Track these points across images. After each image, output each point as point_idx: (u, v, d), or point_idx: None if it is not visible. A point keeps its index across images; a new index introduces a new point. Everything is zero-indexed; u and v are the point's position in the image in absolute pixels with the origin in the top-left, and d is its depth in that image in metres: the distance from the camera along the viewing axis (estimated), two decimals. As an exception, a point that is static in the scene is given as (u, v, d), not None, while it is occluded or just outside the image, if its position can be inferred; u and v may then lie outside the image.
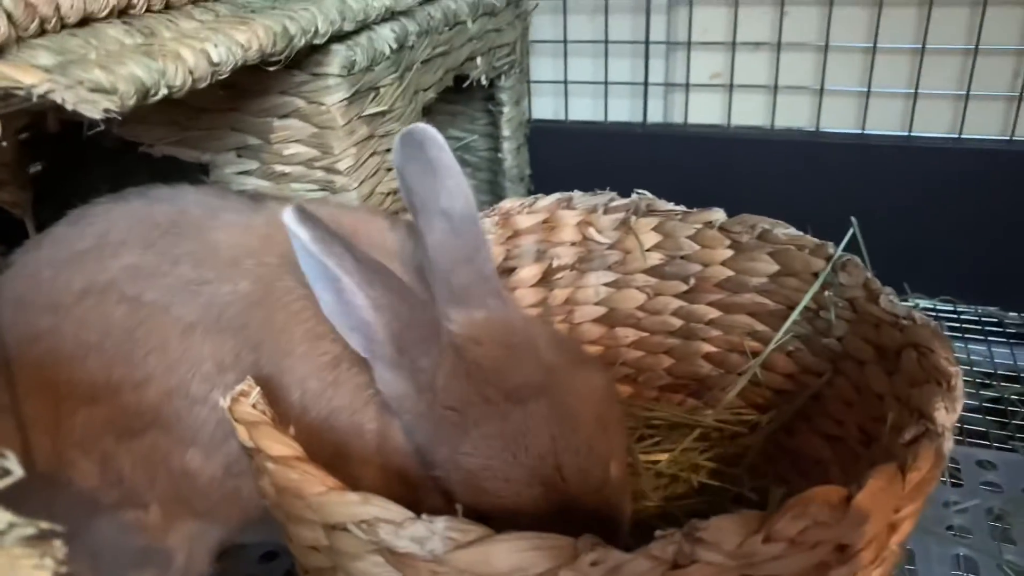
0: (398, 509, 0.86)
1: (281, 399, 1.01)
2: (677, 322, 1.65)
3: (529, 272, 1.66)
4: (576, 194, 1.73)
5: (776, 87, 2.44)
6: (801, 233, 1.52)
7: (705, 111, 2.56)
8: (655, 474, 1.51)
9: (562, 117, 2.64)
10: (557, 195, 1.73)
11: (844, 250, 1.42)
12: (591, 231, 1.71)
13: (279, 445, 0.99)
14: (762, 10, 2.37)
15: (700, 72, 2.51)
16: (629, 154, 2.47)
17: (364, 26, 1.52)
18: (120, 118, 0.85)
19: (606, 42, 2.54)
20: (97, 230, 1.08)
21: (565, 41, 2.58)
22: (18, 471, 0.38)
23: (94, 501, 1.08)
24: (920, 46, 2.17)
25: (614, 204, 1.70)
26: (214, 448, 1.07)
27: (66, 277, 1.04)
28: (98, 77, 0.89)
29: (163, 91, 1.00)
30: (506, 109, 2.33)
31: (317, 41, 1.30)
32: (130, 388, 1.03)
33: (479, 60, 2.05)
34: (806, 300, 1.47)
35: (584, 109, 2.69)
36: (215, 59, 1.09)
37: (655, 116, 2.59)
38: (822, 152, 2.40)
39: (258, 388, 1.09)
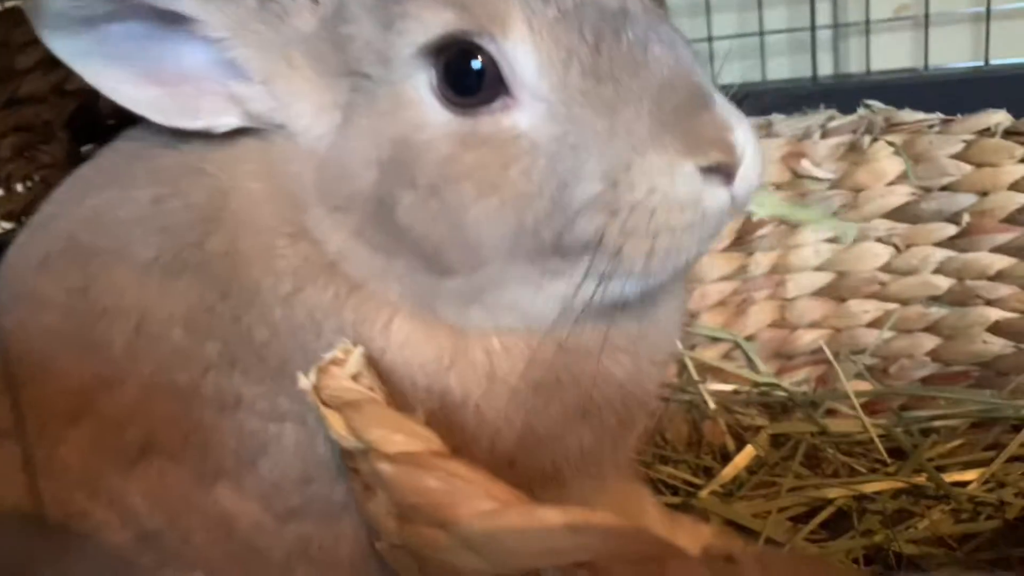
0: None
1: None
2: (944, 282, 1.24)
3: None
4: (777, 117, 1.25)
5: (988, 13, 1.92)
6: None
7: (891, 55, 2.04)
8: (964, 500, 0.96)
9: (707, 84, 2.16)
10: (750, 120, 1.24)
11: None
12: (804, 165, 1.24)
13: (402, 435, 0.53)
14: (959, -85, 1.87)
15: (881, 6, 2.00)
16: (798, 118, 1.99)
17: None
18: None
19: (758, -17, 2.09)
20: (66, 186, 0.87)
21: (706, -10, 2.13)
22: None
23: (127, 566, 0.83)
24: None
25: (835, 124, 1.22)
26: (243, 473, 0.79)
27: (29, 250, 0.85)
28: None
29: None
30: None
31: None
32: (102, 386, 0.78)
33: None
34: None
35: (732, 72, 2.22)
36: None
37: (825, 69, 2.09)
38: (1059, 86, 1.86)
39: (361, 349, 0.64)
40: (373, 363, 0.73)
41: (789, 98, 2.04)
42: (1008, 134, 1.14)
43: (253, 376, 0.77)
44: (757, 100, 1.78)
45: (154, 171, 0.81)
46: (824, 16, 2.13)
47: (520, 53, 0.65)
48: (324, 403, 0.63)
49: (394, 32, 0.67)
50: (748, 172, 0.66)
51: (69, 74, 0.73)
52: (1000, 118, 1.15)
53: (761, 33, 2.18)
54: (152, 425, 0.79)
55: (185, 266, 0.77)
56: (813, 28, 2.11)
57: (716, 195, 0.65)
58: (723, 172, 0.65)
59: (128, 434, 0.79)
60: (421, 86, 0.67)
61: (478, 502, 0.48)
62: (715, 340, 1.30)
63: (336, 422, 0.61)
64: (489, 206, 0.66)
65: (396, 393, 0.74)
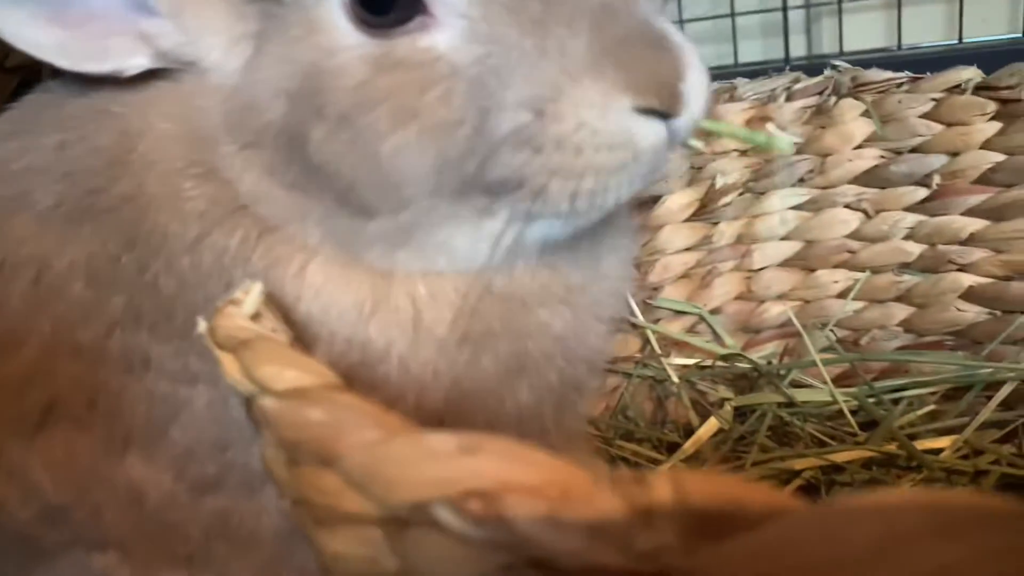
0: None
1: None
2: (915, 248, 1.18)
3: (680, 199, 1.17)
4: (741, 81, 1.20)
5: (960, -12, 1.88)
6: None
7: (865, 35, 2.00)
8: (937, 468, 0.91)
9: (679, 67, 2.11)
10: (714, 84, 1.19)
11: None
12: (770, 129, 1.15)
13: (295, 371, 0.47)
14: None
15: (854, -15, 1.97)
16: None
17: None
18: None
19: (727, -37, 2.04)
20: None
21: (675, -30, 2.09)
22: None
23: (31, 546, 0.78)
24: None
25: (801, 86, 1.16)
26: (154, 441, 0.73)
27: None
28: None
29: None
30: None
31: None
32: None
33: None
34: None
35: (705, 55, 2.17)
36: None
37: (798, 50, 2.04)
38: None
39: (259, 287, 0.58)
40: (287, 312, 0.67)
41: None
42: (978, 90, 1.09)
43: (161, 333, 0.72)
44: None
45: (61, 118, 0.75)
46: (794, -2, 2.09)
47: None
48: (219, 345, 0.56)
49: None
50: (691, 113, 0.60)
51: (10, 50, 0.67)
52: (970, 74, 1.11)
53: (733, 15, 2.13)
54: (55, 389, 0.74)
55: (89, 212, 0.71)
56: (785, 9, 2.06)
57: (651, 131, 0.59)
58: (663, 114, 0.59)
59: (28, 399, 0.74)
60: (333, 7, 0.62)
61: (363, 432, 0.42)
62: (679, 314, 1.24)
63: (229, 364, 0.54)
64: (407, 136, 0.60)
65: (312, 344, 0.68)
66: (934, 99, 1.12)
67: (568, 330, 0.73)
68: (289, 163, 0.66)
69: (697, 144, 0.67)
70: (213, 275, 0.69)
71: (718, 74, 2.16)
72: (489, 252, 0.66)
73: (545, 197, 0.61)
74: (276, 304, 0.65)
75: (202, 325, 0.59)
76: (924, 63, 1.97)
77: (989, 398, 1.03)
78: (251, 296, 0.59)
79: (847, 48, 2.07)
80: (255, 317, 0.58)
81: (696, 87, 0.59)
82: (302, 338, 0.67)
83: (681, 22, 2.17)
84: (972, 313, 1.14)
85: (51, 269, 0.72)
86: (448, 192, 0.63)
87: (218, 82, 0.68)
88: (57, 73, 0.73)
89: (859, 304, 1.21)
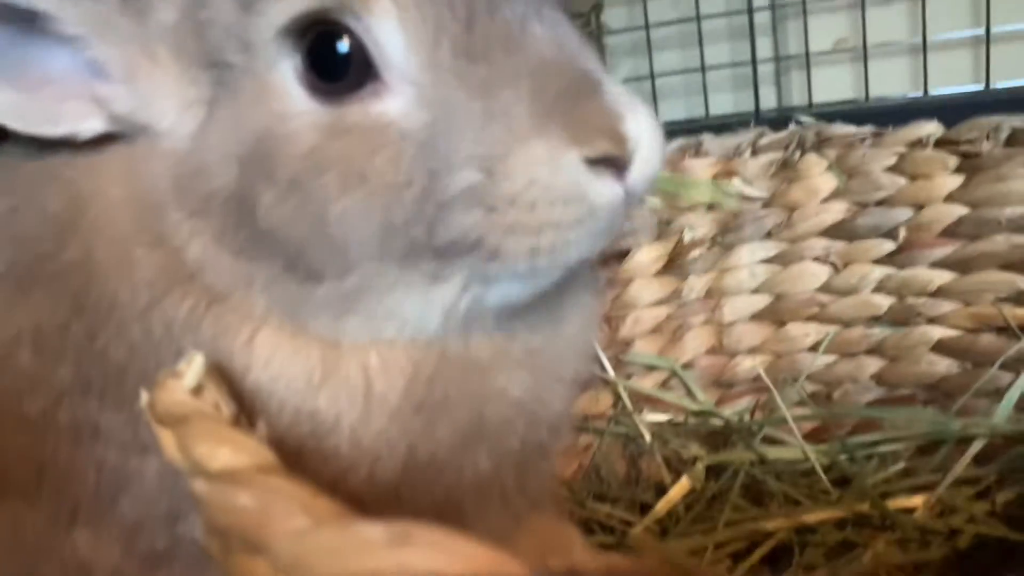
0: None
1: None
2: (884, 301, 1.19)
3: (649, 254, 1.14)
4: (707, 136, 1.20)
5: (925, 43, 1.92)
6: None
7: (833, 87, 2.04)
8: (911, 528, 0.89)
9: (652, 120, 2.13)
10: (680, 140, 1.21)
11: None
12: (736, 184, 1.17)
13: (228, 450, 0.45)
14: (891, -51, 1.88)
15: (820, 40, 2.00)
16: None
17: None
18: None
19: (698, 18, 2.07)
20: None
21: (647, 26, 2.12)
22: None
23: None
24: None
25: (766, 141, 1.17)
26: (103, 513, 0.70)
27: None
28: None
29: None
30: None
31: None
32: None
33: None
34: None
35: (676, 109, 2.20)
36: None
37: (769, 102, 2.07)
38: (999, 114, 1.84)
39: (201, 359, 0.56)
40: (236, 382, 0.65)
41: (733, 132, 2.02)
42: (940, 143, 1.09)
43: (111, 402, 0.69)
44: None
45: (12, 180, 0.74)
46: (765, 50, 2.13)
47: (385, 30, 0.59)
48: (158, 420, 0.54)
49: (253, 13, 0.61)
50: (644, 163, 0.60)
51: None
52: (932, 129, 1.12)
53: (703, 69, 2.16)
54: (0, 462, 0.71)
55: (37, 279, 0.70)
56: (754, 63, 2.10)
57: (606, 188, 0.59)
58: (615, 165, 0.59)
59: None
60: (286, 73, 0.61)
61: (291, 520, 0.40)
62: (651, 368, 1.23)
63: (168, 440, 0.53)
64: (354, 199, 0.60)
65: (261, 415, 0.66)
66: (897, 153, 1.13)
67: (528, 394, 0.72)
68: (237, 229, 0.65)
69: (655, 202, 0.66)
70: (164, 344, 0.67)
71: (689, 127, 2.19)
72: (442, 320, 0.64)
73: (503, 256, 0.60)
74: (225, 374, 0.63)
75: (144, 398, 0.57)
76: (891, 115, 1.99)
77: (963, 451, 1.02)
78: (193, 368, 0.57)
79: (816, 100, 2.10)
80: (197, 390, 0.57)
81: (642, 131, 0.58)
82: (251, 409, 0.65)
83: (652, 76, 2.20)
84: (943, 366, 1.14)
85: None
86: (396, 256, 0.62)
87: (169, 147, 0.67)
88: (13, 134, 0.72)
89: (830, 357, 1.21)
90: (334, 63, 0.60)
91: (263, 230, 0.63)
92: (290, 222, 0.62)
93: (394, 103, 0.60)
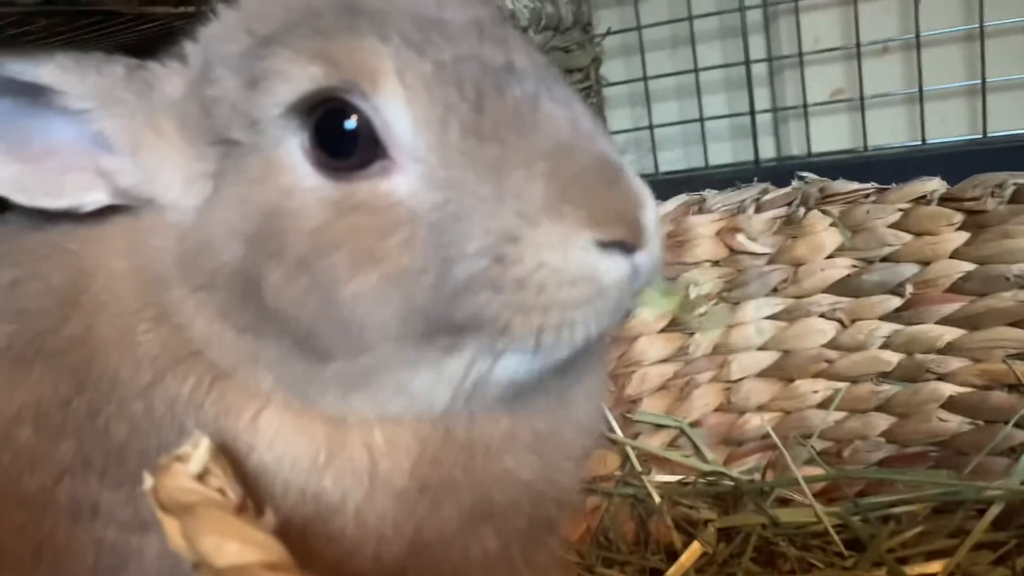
0: None
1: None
2: (893, 357, 1.18)
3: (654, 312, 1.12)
4: (710, 193, 1.21)
5: (921, 93, 1.94)
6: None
7: (831, 137, 2.05)
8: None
9: (651, 171, 2.15)
10: (683, 196, 1.21)
11: None
12: (740, 240, 1.18)
13: (236, 544, 0.44)
14: (886, 3, 1.91)
15: (818, 90, 2.02)
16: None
17: None
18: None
19: (695, 71, 2.10)
20: None
21: (645, 78, 2.14)
22: None
23: None
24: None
25: (769, 197, 1.17)
26: None
27: None
28: None
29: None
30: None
31: None
32: None
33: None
34: None
35: (675, 160, 2.21)
36: None
37: (767, 152, 2.08)
38: (995, 162, 1.85)
39: (207, 443, 0.55)
40: (241, 463, 0.63)
41: (733, 182, 2.03)
42: (944, 200, 1.09)
43: (111, 480, 0.68)
44: (701, 185, 1.76)
45: (15, 252, 0.73)
46: (763, 101, 2.15)
47: (393, 110, 0.58)
48: (162, 507, 0.53)
49: (259, 91, 0.60)
50: (653, 250, 0.59)
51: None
52: (935, 185, 1.12)
53: (702, 119, 2.18)
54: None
55: (38, 355, 0.68)
56: (752, 113, 2.12)
57: (614, 265, 0.58)
58: (623, 246, 0.58)
59: None
60: (293, 150, 0.61)
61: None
62: (659, 427, 1.21)
63: (172, 529, 0.51)
64: (367, 281, 0.58)
65: (266, 497, 0.64)
66: (901, 209, 1.13)
67: (537, 475, 0.70)
68: (243, 306, 0.64)
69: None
70: (166, 421, 0.66)
71: (689, 176, 2.20)
72: (450, 396, 0.63)
73: (510, 334, 0.59)
74: (229, 454, 0.62)
75: (148, 481, 0.56)
76: (890, 163, 2.01)
77: (980, 511, 1.00)
78: (198, 452, 0.55)
79: (815, 149, 2.11)
80: (203, 475, 0.55)
81: (652, 220, 0.58)
82: (255, 489, 0.63)
83: (651, 127, 2.22)
84: (955, 423, 1.12)
85: None
86: (415, 336, 0.61)
87: (174, 221, 0.67)
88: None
89: (840, 414, 1.19)
90: (341, 140, 0.60)
91: (270, 309, 0.62)
92: (299, 302, 0.61)
93: (403, 181, 0.59)
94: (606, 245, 0.57)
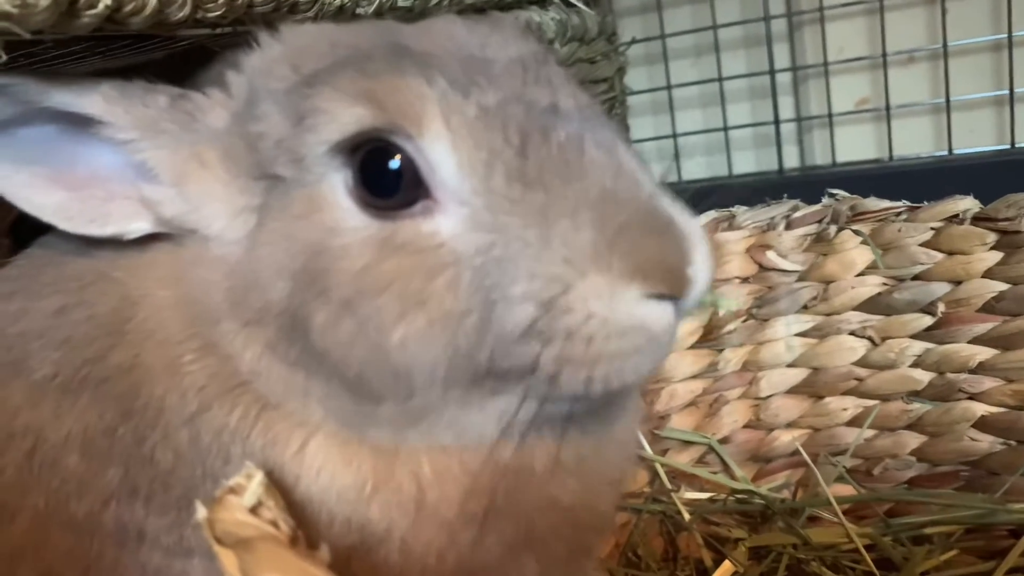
0: None
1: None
2: (924, 376, 1.18)
3: (684, 327, 1.11)
4: (740, 209, 1.21)
5: (948, 103, 1.93)
6: None
7: (856, 146, 2.04)
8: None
9: (674, 179, 2.14)
10: (712, 212, 1.21)
11: None
12: (770, 257, 1.18)
13: (294, 581, 0.45)
14: (913, 12, 1.90)
15: (843, 100, 2.01)
16: (767, 211, 1.96)
17: None
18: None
19: (720, 79, 2.09)
20: None
21: (669, 87, 2.14)
22: None
23: None
24: None
25: (800, 214, 1.17)
26: None
27: None
28: None
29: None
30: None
31: None
32: None
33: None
34: None
35: (698, 168, 2.21)
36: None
37: (791, 161, 2.08)
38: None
39: (261, 476, 0.56)
40: (287, 493, 0.64)
41: (756, 191, 2.02)
42: (976, 220, 1.09)
43: (157, 506, 0.69)
44: (725, 194, 1.76)
45: (61, 279, 0.74)
46: (787, 110, 2.14)
47: (438, 152, 0.58)
48: (218, 540, 0.54)
49: (305, 129, 0.61)
50: (699, 286, 0.59)
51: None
52: (968, 204, 1.11)
53: (726, 128, 2.18)
54: (46, 562, 0.71)
55: (85, 383, 0.69)
56: (777, 122, 2.11)
57: (662, 313, 0.57)
58: (671, 298, 0.58)
59: (19, 573, 0.71)
60: (337, 187, 0.61)
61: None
62: (687, 444, 1.21)
63: (229, 562, 0.52)
64: (415, 325, 0.58)
65: (311, 527, 0.65)
66: (933, 228, 1.13)
67: (577, 501, 0.71)
68: (291, 342, 0.64)
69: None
70: (212, 450, 0.67)
71: (713, 184, 2.19)
72: (499, 430, 0.64)
73: (558, 384, 0.59)
74: (275, 482, 0.63)
75: (201, 512, 0.57)
76: (916, 174, 2.00)
77: (1012, 532, 1.00)
78: (253, 486, 0.57)
79: (839, 159, 2.10)
80: (256, 508, 0.56)
81: (703, 265, 0.58)
82: (301, 519, 0.64)
83: (675, 135, 2.22)
84: (986, 443, 1.12)
85: (47, 442, 0.69)
86: (462, 380, 0.61)
87: (220, 253, 0.67)
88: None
89: (870, 432, 1.19)
90: (386, 179, 0.60)
91: (319, 349, 0.62)
92: (347, 345, 0.61)
93: (446, 223, 0.59)
94: (653, 296, 0.57)
